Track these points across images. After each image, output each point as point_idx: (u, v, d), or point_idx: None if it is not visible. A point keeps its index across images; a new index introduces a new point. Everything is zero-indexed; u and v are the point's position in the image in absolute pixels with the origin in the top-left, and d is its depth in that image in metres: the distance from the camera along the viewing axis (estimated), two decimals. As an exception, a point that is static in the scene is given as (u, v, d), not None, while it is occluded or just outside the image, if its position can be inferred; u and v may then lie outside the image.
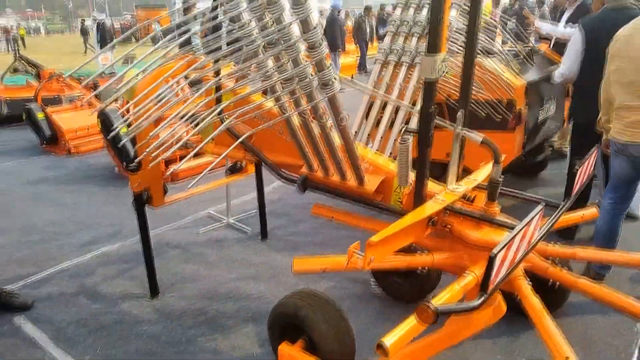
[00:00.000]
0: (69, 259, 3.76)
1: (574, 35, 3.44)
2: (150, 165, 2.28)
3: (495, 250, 1.36)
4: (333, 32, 10.98)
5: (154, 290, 3.20)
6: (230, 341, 2.73)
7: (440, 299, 1.64)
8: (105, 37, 13.90)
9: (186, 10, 9.14)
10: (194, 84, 2.07)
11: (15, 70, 8.69)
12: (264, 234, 3.99)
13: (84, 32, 23.27)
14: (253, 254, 3.74)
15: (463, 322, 1.92)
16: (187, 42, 2.14)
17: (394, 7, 2.86)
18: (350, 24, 15.69)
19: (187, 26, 2.01)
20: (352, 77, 12.79)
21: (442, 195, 2.06)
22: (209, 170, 2.03)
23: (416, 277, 2.96)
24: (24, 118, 6.92)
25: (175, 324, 2.90)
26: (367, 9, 14.57)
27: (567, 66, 3.48)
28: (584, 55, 3.35)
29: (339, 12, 11.67)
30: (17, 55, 8.88)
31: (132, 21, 33.41)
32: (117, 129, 2.28)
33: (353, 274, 3.32)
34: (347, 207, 2.66)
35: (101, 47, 13.79)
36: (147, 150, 1.79)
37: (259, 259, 3.65)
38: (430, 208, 1.95)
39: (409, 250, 2.52)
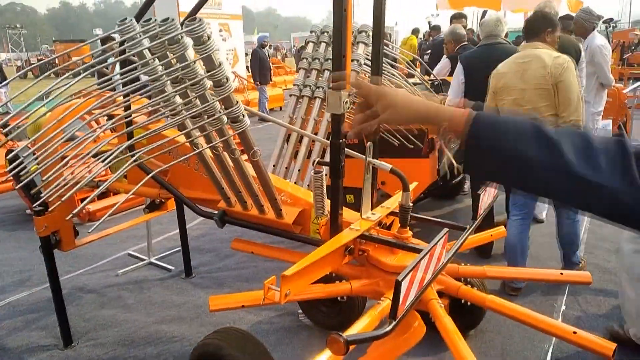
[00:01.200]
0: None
1: (456, 69, 3.98)
2: (54, 206, 2.15)
3: (400, 276, 1.41)
4: (258, 66, 11.22)
5: (66, 340, 2.97)
6: (150, 389, 2.59)
7: (356, 328, 1.66)
8: None
9: (104, 42, 8.88)
10: (109, 118, 2.00)
11: None
12: (187, 271, 3.86)
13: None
14: (175, 293, 3.60)
15: (385, 347, 1.95)
16: (106, 78, 2.07)
17: (307, 43, 2.96)
18: (279, 57, 15.89)
19: (100, 62, 1.95)
20: (280, 108, 12.92)
21: (357, 223, 2.11)
22: (121, 209, 1.96)
23: (342, 304, 2.98)
24: None
25: (90, 376, 2.71)
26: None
27: (451, 96, 3.95)
28: (465, 86, 3.88)
29: (263, 46, 11.85)
30: None
31: (50, 55, 31.93)
32: (27, 168, 2.13)
33: (280, 308, 3.28)
34: (272, 239, 2.66)
35: None
36: (49, 190, 1.69)
37: (182, 299, 3.51)
38: (345, 237, 1.99)
39: (330, 279, 2.54)
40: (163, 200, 3.35)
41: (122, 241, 4.46)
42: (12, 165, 1.85)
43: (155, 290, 3.65)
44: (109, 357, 2.86)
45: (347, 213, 2.27)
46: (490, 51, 3.84)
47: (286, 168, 2.79)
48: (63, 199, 1.85)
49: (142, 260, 4.13)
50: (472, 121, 0.83)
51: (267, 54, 12.44)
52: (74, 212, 1.67)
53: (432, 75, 5.07)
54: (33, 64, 29.94)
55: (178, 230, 4.57)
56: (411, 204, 2.11)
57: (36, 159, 4.39)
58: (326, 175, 2.11)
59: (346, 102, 1.80)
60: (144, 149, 1.93)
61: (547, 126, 0.79)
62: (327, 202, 2.16)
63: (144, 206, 3.65)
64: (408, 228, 2.14)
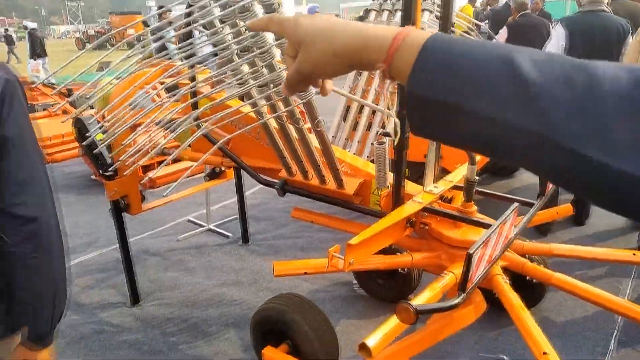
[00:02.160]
0: None
1: (557, 32, 3.75)
2: (126, 172, 2.25)
3: (472, 249, 1.38)
4: None
5: (134, 299, 3.16)
6: (213, 347, 2.71)
7: (421, 299, 1.66)
8: (35, 45, 13.71)
9: (161, 16, 9.05)
10: (170, 90, 2.05)
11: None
12: (245, 238, 3.97)
13: (9, 42, 21.87)
14: (234, 259, 3.72)
15: (445, 321, 1.94)
16: (163, 48, 2.12)
17: (367, 11, 2.88)
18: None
19: (161, 32, 2.00)
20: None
21: (419, 196, 2.08)
22: (186, 176, 2.02)
23: (398, 278, 2.99)
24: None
25: (157, 332, 2.87)
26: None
27: None
28: (567, 53, 3.62)
29: None
30: (-12, 62, 8.66)
31: (107, 28, 33.00)
32: (92, 136, 2.24)
33: (335, 277, 3.33)
34: (327, 209, 2.68)
35: (31, 56, 13.68)
36: (123, 157, 1.77)
37: (240, 265, 3.63)
38: (408, 209, 1.97)
39: (389, 251, 2.54)
40: (223, 169, 3.44)
41: (182, 207, 4.63)
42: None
43: (215, 255, 3.79)
44: (173, 316, 3.01)
45: (408, 185, 2.24)
46: (594, 18, 3.67)
47: (346, 139, 2.77)
48: (135, 166, 1.93)
49: (202, 226, 4.28)
50: (420, 53, 0.52)
51: None
52: (150, 176, 1.74)
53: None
54: (91, 35, 31.11)
55: (234, 199, 4.70)
56: (477, 178, 2.06)
57: (101, 127, 4.57)
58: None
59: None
60: (210, 119, 1.97)
61: (529, 60, 0.47)
62: (389, 174, 2.14)
63: (203, 174, 3.76)
64: (473, 202, 2.09)
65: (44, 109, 7.16)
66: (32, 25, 14.70)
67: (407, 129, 1.89)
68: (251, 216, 4.12)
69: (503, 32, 5.38)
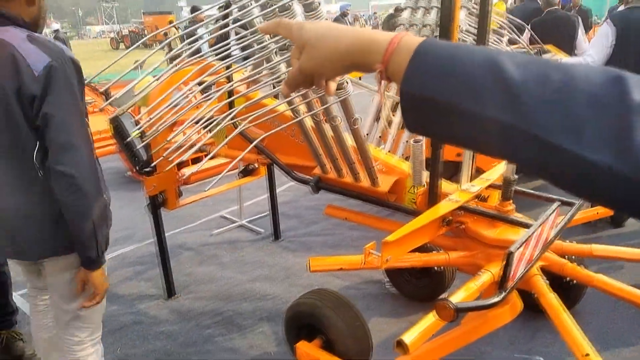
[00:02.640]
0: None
1: (603, 29, 3.69)
2: (167, 168, 2.31)
3: (513, 247, 1.37)
4: None
5: (169, 292, 3.24)
6: (247, 340, 2.76)
7: (457, 298, 1.66)
8: None
9: (193, 12, 9.17)
10: (205, 90, 2.10)
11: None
12: (276, 235, 4.02)
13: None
14: (266, 255, 3.77)
15: (480, 320, 1.93)
16: (196, 49, 2.17)
17: (398, 9, 2.87)
18: (358, 26, 15.52)
19: (198, 35, 2.04)
20: (359, 79, 12.77)
21: (456, 194, 2.07)
22: (226, 172, 2.07)
23: (430, 277, 2.98)
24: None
25: (192, 324, 2.94)
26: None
27: (597, 57, 3.66)
28: (613, 50, 3.58)
29: (344, 15, 11.66)
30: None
31: (140, 28, 33.75)
32: (139, 129, 2.30)
33: (366, 274, 3.34)
34: (359, 207, 2.70)
35: None
36: (165, 154, 1.83)
37: (273, 260, 3.68)
38: (444, 207, 1.97)
39: (423, 249, 2.53)
40: (257, 166, 3.49)
41: (214, 204, 4.71)
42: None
43: (247, 250, 3.85)
44: (209, 309, 3.08)
45: (444, 184, 2.23)
46: None
47: (379, 137, 2.78)
48: (176, 162, 1.99)
49: (234, 222, 4.36)
50: (413, 57, 0.57)
51: (347, 23, 12.26)
52: (189, 172, 1.80)
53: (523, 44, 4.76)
54: (125, 35, 31.87)
55: (264, 196, 4.75)
56: (516, 177, 2.04)
57: (136, 123, 4.67)
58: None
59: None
60: (249, 116, 2.01)
61: (511, 62, 0.52)
62: (425, 172, 2.14)
63: (236, 171, 3.82)
64: (511, 201, 2.07)
65: (82, 107, 7.38)
66: (55, 26, 15.13)
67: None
68: (282, 213, 4.16)
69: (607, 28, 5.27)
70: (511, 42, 3.05)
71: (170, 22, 16.98)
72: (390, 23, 11.51)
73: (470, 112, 0.53)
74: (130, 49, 1.90)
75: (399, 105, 0.59)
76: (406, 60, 0.57)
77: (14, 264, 2.17)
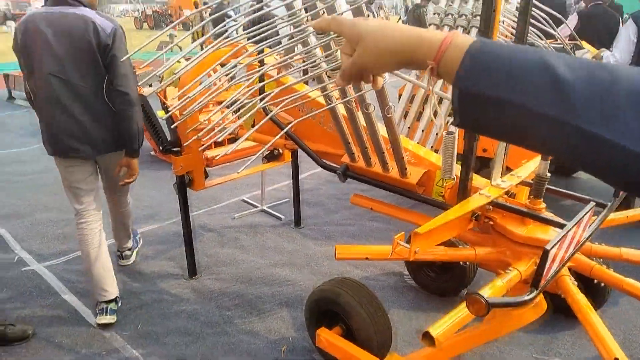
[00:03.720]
0: (108, 238, 3.86)
1: (625, 28, 3.63)
2: (200, 148, 2.33)
3: (549, 246, 1.35)
4: None
5: (191, 271, 3.28)
6: (266, 324, 2.79)
7: (485, 293, 1.64)
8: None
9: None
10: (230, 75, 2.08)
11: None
12: (297, 221, 4.03)
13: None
14: (287, 241, 3.79)
15: (504, 317, 1.91)
16: (225, 33, 2.16)
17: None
18: (382, 15, 15.22)
19: (234, 17, 2.03)
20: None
21: (487, 189, 2.04)
22: (257, 156, 2.07)
23: (451, 272, 2.96)
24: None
25: (213, 305, 2.98)
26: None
27: (619, 56, 3.62)
28: (636, 47, 3.54)
29: (370, 2, 11.49)
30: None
31: (164, 8, 33.80)
32: (173, 110, 2.32)
33: (386, 266, 3.34)
34: (382, 198, 2.67)
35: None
36: (200, 134, 1.84)
37: (293, 246, 3.70)
38: (475, 202, 1.94)
39: (447, 243, 2.51)
40: (281, 152, 3.49)
41: (235, 187, 4.75)
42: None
43: (268, 235, 3.87)
44: (229, 291, 3.12)
45: (475, 178, 2.20)
46: None
47: (409, 128, 2.75)
48: (208, 144, 2.00)
49: (255, 207, 4.38)
50: (468, 55, 0.60)
51: (373, 12, 12.11)
52: (226, 151, 1.81)
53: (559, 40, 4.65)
54: (148, 15, 31.94)
55: (285, 182, 4.78)
56: (549, 175, 2.00)
57: (162, 104, 4.66)
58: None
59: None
60: (282, 102, 2.00)
61: (562, 63, 0.56)
62: (456, 165, 2.11)
63: (259, 154, 3.81)
64: (542, 199, 2.04)
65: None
66: (1, 5, 15.06)
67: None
68: (303, 200, 4.17)
69: (573, 19, 5.22)
70: (546, 35, 2.97)
71: (195, 3, 16.95)
72: (415, 14, 11.26)
73: (524, 108, 0.57)
74: (165, 30, 1.90)
75: (452, 101, 0.62)
76: (459, 58, 0.61)
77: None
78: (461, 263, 2.78)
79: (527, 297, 1.41)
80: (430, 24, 2.80)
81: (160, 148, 5.25)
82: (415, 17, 11.70)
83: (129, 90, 2.55)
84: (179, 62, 3.23)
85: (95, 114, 2.61)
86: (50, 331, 2.78)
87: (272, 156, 3.64)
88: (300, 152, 3.05)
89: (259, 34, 1.89)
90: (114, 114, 2.61)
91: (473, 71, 0.60)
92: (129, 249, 3.48)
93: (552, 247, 1.37)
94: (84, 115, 2.58)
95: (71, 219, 2.94)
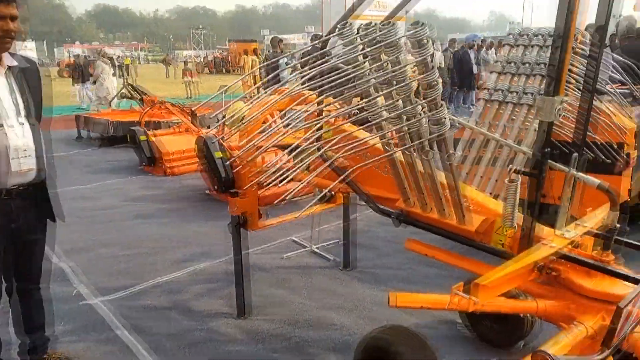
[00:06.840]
0: (163, 274, 3.98)
1: None
2: (260, 192, 2.39)
3: (623, 303, 1.28)
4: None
5: (241, 311, 3.30)
6: (315, 370, 2.75)
7: (549, 350, 1.56)
8: (81, 71, 14.40)
9: (277, 45, 9.59)
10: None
11: (123, 97, 9.59)
12: (346, 263, 4.00)
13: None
14: (336, 283, 3.76)
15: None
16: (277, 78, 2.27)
17: (491, 45, 2.83)
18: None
19: (283, 67, 2.13)
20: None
21: (551, 239, 1.97)
22: (316, 200, 2.11)
23: (509, 322, 2.83)
24: (128, 139, 7.54)
25: (261, 347, 2.97)
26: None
27: None
28: None
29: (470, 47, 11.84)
30: (125, 82, 9.78)
31: (224, 54, 35.71)
32: (237, 155, 2.41)
33: (438, 314, 3.23)
34: (436, 243, 2.63)
35: (82, 81, 14.33)
36: (261, 178, 1.90)
37: (342, 289, 3.66)
38: (540, 252, 1.88)
39: (507, 293, 2.42)
40: (333, 194, 3.52)
41: (285, 227, 4.79)
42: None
43: (317, 277, 3.86)
44: (277, 333, 3.10)
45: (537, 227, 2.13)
46: None
47: (467, 173, 2.72)
48: (269, 186, 2.06)
49: (305, 247, 4.40)
50: None
51: (470, 57, 12.14)
52: (283, 197, 1.86)
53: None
54: (209, 60, 33.87)
55: (335, 223, 4.77)
56: (618, 225, 1.91)
57: (219, 145, 4.81)
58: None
59: (559, 109, 1.70)
60: (340, 149, 2.05)
61: None
62: (518, 214, 2.06)
63: (311, 195, 3.85)
64: (611, 251, 1.94)
65: (169, 127, 7.87)
66: (76, 51, 15.60)
67: (545, 169, 1.82)
68: (355, 242, 4.14)
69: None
70: (612, 80, 2.89)
71: (255, 50, 17.82)
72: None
73: None
74: (236, 80, 2.01)
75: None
76: None
77: None
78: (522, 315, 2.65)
79: (597, 357, 1.33)
80: (491, 72, 2.81)
81: (216, 187, 5.43)
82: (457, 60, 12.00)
83: None
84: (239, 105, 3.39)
85: None
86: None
87: (324, 198, 3.67)
88: (352, 192, 3.07)
89: (320, 83, 1.96)
90: None
91: None
92: None
93: (627, 304, 1.29)
94: None
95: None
